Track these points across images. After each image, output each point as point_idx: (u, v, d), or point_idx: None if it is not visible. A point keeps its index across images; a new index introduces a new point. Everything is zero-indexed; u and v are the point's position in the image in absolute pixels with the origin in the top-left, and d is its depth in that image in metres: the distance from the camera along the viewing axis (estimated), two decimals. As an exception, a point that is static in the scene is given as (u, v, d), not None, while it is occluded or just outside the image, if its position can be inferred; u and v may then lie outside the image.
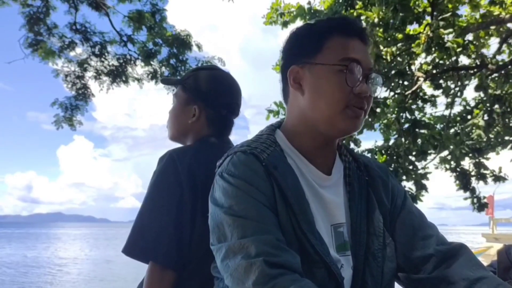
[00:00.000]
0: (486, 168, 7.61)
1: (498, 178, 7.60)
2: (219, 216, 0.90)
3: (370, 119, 6.40)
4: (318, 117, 0.97)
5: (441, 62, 6.93)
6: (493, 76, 6.84)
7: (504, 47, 7.22)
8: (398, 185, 1.14)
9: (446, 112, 7.71)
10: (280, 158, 0.96)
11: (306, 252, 0.89)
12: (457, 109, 7.93)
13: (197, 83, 1.48)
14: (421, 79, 6.57)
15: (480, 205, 7.57)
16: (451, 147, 7.04)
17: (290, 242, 0.88)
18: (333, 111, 0.94)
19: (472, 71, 6.72)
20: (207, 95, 1.46)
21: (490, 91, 6.91)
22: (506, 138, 7.77)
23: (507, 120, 6.96)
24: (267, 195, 0.90)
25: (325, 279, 0.89)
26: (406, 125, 6.56)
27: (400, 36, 6.41)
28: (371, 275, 0.97)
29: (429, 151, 6.84)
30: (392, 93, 6.93)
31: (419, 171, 6.70)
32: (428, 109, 7.56)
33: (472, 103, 7.83)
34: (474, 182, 7.70)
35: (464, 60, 7.09)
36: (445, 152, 7.58)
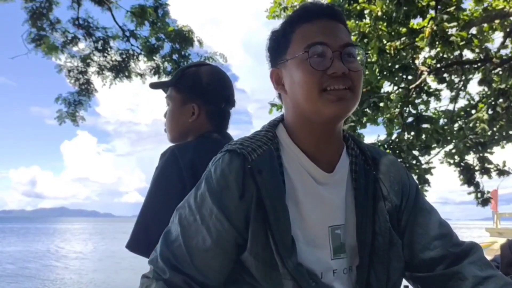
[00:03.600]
0: (490, 162, 7.59)
1: (502, 172, 7.58)
2: (178, 214, 1.00)
3: (373, 114, 6.38)
4: (303, 108, 0.94)
5: (445, 56, 6.89)
6: (497, 70, 6.80)
7: (508, 41, 7.17)
8: (410, 180, 1.09)
9: (450, 107, 7.69)
10: (269, 161, 0.93)
11: (276, 263, 0.89)
12: (461, 103, 7.91)
13: (193, 81, 1.47)
14: (425, 73, 6.55)
15: (484, 200, 7.56)
16: (455, 141, 7.02)
17: (258, 253, 0.90)
18: (310, 98, 0.91)
19: (476, 65, 6.69)
20: (205, 91, 1.46)
21: (494, 85, 6.88)
22: (511, 132, 7.73)
23: (511, 114, 6.92)
24: (227, 212, 0.91)
25: None
26: (410, 119, 6.54)
27: (403, 30, 6.38)
28: (376, 276, 0.95)
29: (432, 146, 6.83)
30: (395, 87, 6.91)
31: (422, 166, 6.69)
32: (433, 103, 7.53)
33: (476, 98, 7.81)
34: (478, 176, 7.68)
35: (468, 54, 7.06)
36: (450, 147, 7.57)
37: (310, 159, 0.97)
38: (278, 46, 0.99)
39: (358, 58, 0.95)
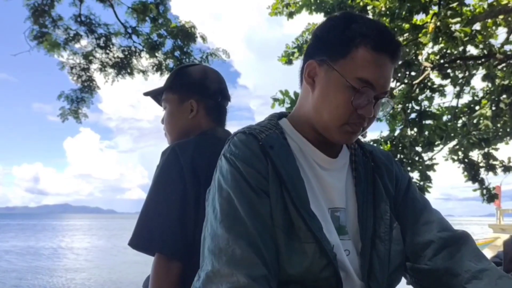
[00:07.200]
0: (495, 158, 7.55)
1: (507, 169, 7.54)
2: (215, 205, 0.91)
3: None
4: (318, 121, 1.00)
5: (448, 52, 6.86)
6: (501, 66, 6.77)
7: (512, 37, 7.12)
8: (402, 171, 1.16)
9: (454, 103, 7.66)
10: (277, 139, 0.97)
11: (297, 228, 0.90)
12: (465, 99, 7.87)
13: (188, 79, 1.50)
14: (428, 69, 6.52)
15: (490, 196, 7.52)
16: (458, 138, 6.99)
17: (278, 222, 0.89)
18: (332, 123, 0.97)
19: (479, 61, 6.65)
20: (201, 86, 1.49)
21: (497, 81, 6.84)
22: (514, 128, 7.69)
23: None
24: (263, 175, 0.92)
25: (316, 254, 0.89)
26: (413, 115, 6.53)
27: (407, 26, 6.35)
28: (378, 258, 0.98)
29: (436, 142, 6.80)
30: (398, 83, 6.89)
31: (425, 162, 6.66)
32: (437, 99, 7.51)
33: (480, 94, 7.77)
34: (483, 173, 7.64)
35: (471, 50, 7.02)
36: (454, 143, 7.54)
37: (313, 146, 1.02)
38: (334, 47, 0.97)
39: (383, 103, 1.01)
